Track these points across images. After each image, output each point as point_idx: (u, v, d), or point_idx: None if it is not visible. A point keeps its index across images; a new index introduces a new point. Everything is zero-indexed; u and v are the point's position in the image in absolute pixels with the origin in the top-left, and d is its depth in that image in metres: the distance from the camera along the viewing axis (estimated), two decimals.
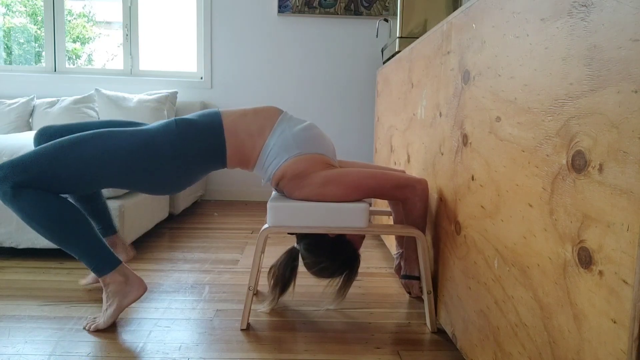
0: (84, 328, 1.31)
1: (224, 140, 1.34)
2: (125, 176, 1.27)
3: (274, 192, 1.50)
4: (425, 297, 1.37)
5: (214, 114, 1.37)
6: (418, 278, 1.50)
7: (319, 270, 1.40)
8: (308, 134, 1.38)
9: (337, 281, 1.41)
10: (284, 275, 1.42)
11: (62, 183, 1.23)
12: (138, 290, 1.34)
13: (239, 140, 1.35)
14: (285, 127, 1.38)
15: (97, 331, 1.30)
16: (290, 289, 1.44)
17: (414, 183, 1.37)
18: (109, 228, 1.65)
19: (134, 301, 1.34)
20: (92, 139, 1.25)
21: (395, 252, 1.65)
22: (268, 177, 1.39)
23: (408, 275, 1.51)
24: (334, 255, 1.39)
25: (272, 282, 1.44)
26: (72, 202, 1.47)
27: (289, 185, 1.35)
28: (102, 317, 1.32)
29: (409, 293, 1.60)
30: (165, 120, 1.34)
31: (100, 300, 1.52)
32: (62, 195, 1.36)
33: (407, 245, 1.48)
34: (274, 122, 1.39)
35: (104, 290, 1.33)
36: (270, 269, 1.46)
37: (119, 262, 1.33)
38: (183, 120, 1.33)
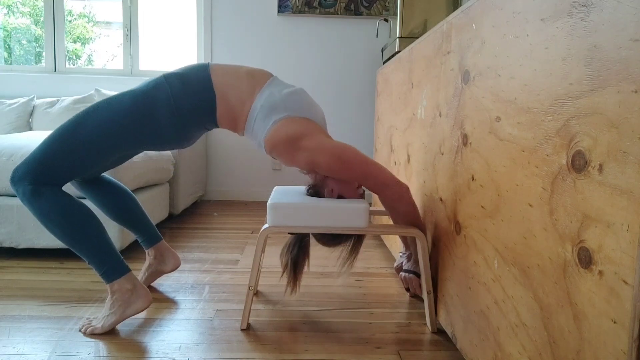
0: (80, 330, 1.31)
1: (214, 96, 1.34)
2: (128, 140, 1.30)
3: (274, 192, 1.50)
4: (425, 297, 1.38)
5: (202, 68, 1.37)
6: (419, 276, 1.49)
7: (330, 237, 1.41)
8: (297, 98, 1.37)
9: (348, 245, 1.43)
10: (292, 253, 1.41)
11: (75, 164, 1.27)
12: (143, 303, 1.32)
13: (227, 98, 1.35)
14: (274, 90, 1.36)
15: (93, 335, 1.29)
16: (305, 268, 1.44)
17: (392, 183, 1.33)
18: (153, 237, 1.63)
19: (137, 313, 1.32)
20: (87, 115, 1.29)
21: (400, 252, 1.64)
22: (259, 142, 1.37)
23: (411, 271, 1.51)
24: None
25: (283, 263, 1.43)
26: (110, 215, 1.55)
27: (283, 151, 1.32)
28: (100, 322, 1.30)
29: (407, 290, 1.59)
30: (152, 79, 1.35)
31: (101, 300, 1.52)
32: (84, 180, 1.49)
33: (413, 243, 1.50)
34: (263, 84, 1.38)
35: (109, 297, 1.32)
36: (281, 251, 1.46)
37: (127, 270, 1.32)
38: (172, 75, 1.34)
